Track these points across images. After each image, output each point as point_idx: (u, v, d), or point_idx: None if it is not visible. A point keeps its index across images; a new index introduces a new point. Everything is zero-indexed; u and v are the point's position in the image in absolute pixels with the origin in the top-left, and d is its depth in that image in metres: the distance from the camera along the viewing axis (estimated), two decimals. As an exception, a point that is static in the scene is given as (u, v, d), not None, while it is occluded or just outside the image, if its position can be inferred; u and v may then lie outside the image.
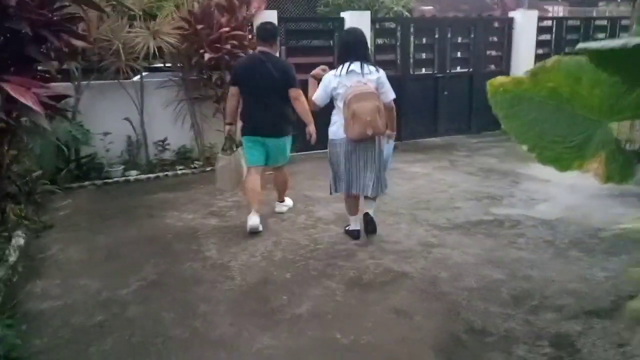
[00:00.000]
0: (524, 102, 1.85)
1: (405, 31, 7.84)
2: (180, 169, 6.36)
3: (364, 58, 3.74)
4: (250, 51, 6.16)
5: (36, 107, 2.98)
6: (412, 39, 7.95)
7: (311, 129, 4.14)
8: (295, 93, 4.10)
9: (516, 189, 5.29)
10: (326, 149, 3.92)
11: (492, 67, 8.76)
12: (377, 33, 7.60)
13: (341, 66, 3.69)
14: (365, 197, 3.93)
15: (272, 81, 4.04)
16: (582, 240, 3.82)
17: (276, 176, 4.62)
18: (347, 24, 7.22)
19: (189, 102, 6.46)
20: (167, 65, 6.55)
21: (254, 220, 4.16)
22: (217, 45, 6.03)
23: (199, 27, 5.93)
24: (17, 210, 3.94)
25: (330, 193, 4.01)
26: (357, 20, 7.17)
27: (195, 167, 6.43)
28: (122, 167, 6.19)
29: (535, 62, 9.17)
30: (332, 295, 3.12)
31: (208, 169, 6.43)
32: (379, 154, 3.75)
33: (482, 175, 5.93)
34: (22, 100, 2.92)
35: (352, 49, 3.74)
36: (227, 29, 6.05)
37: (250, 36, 6.52)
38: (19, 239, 3.93)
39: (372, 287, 3.21)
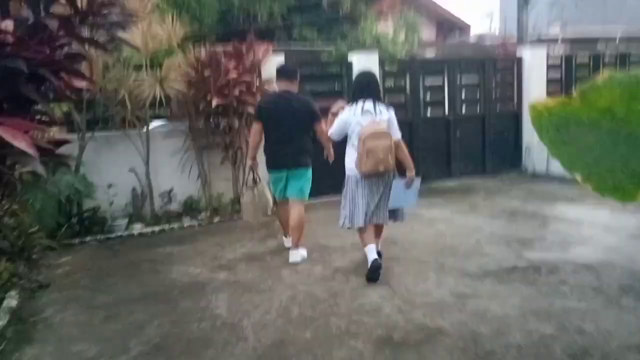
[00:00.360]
0: (573, 125, 1.60)
1: (414, 72, 7.72)
2: (187, 221, 6.07)
3: (376, 98, 3.98)
4: (260, 95, 6.05)
5: (30, 150, 2.73)
6: (421, 80, 7.82)
7: (331, 152, 4.54)
8: (321, 126, 4.38)
9: (546, 230, 4.93)
10: (336, 193, 4.11)
11: (503, 106, 8.58)
12: (385, 75, 7.48)
13: (355, 105, 3.92)
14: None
15: (295, 117, 4.33)
16: (633, 287, 3.43)
17: (292, 212, 4.46)
18: (355, 67, 7.12)
19: (196, 151, 6.25)
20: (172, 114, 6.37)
21: (286, 242, 4.64)
22: (224, 91, 5.88)
23: (206, 73, 5.80)
24: (10, 267, 3.62)
25: (342, 226, 4.10)
26: (364, 62, 7.08)
27: (202, 219, 6.13)
28: (126, 220, 5.91)
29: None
30: (359, 358, 2.73)
31: (216, 220, 6.14)
32: (389, 189, 3.97)
33: (507, 217, 5.58)
34: (14, 142, 2.67)
35: (365, 89, 3.97)
36: (234, 74, 5.92)
37: (258, 82, 6.40)
38: (10, 300, 3.60)
39: (404, 347, 2.82)
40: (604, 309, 3.11)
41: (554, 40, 11.01)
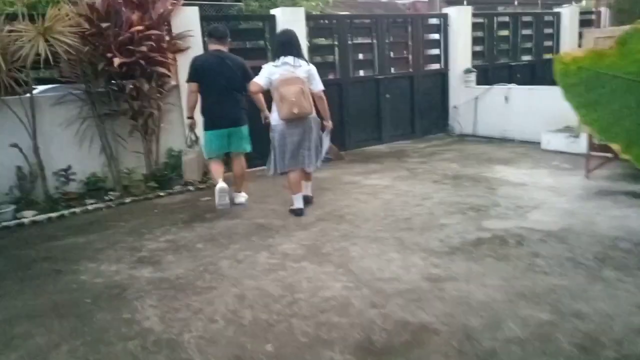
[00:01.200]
0: (609, 83, 1.25)
1: (342, 30, 7.13)
2: (92, 204, 5.10)
3: (297, 54, 4.34)
4: (172, 54, 5.18)
5: None
6: (349, 39, 7.25)
7: (266, 113, 4.59)
8: (253, 85, 4.32)
9: (496, 196, 4.70)
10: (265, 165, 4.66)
11: (430, 66, 8.33)
12: (311, 32, 6.80)
13: (277, 59, 4.28)
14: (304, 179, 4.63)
15: (232, 77, 4.53)
16: (607, 255, 3.24)
17: (236, 164, 4.88)
18: (280, 23, 6.38)
19: (97, 120, 5.22)
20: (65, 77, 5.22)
21: (222, 185, 4.56)
22: (129, 47, 4.89)
23: (104, 25, 4.76)
24: None
25: (272, 174, 4.53)
26: (289, 17, 6.36)
27: (111, 199, 5.19)
28: (13, 207, 4.82)
29: (472, 60, 8.97)
30: (341, 375, 2.21)
31: (128, 200, 5.23)
32: (311, 133, 4.38)
33: (451, 183, 5.31)
34: None
35: (287, 46, 4.31)
36: (140, 27, 4.94)
37: (168, 37, 5.45)
38: None
39: (391, 354, 2.34)
40: (590, 285, 2.86)
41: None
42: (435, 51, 8.37)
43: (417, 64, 8.03)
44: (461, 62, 8.24)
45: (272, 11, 6.58)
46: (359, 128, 7.55)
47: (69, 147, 5.22)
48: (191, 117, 4.68)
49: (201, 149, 4.82)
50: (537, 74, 9.41)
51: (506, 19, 9.05)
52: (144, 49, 4.90)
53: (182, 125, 5.82)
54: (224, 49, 4.63)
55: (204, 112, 4.64)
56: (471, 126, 8.20)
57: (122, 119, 5.30)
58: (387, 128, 7.85)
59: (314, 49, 6.86)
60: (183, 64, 5.68)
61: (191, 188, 5.61)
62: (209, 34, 4.73)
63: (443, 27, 8.21)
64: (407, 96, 8.07)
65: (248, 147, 4.82)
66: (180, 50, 5.60)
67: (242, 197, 4.95)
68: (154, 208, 5.06)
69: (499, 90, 7.73)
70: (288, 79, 4.12)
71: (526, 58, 9.36)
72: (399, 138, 8.03)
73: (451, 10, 8.22)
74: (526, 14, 9.50)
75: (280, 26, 6.36)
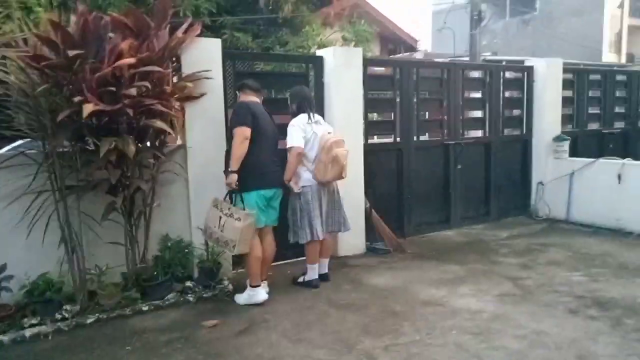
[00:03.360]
0: None
1: (406, 81, 5.44)
2: (32, 325, 3.26)
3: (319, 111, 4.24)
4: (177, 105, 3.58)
5: None
6: (414, 92, 5.55)
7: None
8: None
9: None
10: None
11: (509, 130, 6.55)
12: (368, 82, 5.11)
13: (306, 115, 3.92)
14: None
15: (275, 131, 3.88)
16: None
17: (270, 242, 3.91)
18: (328, 68, 4.75)
19: (56, 195, 3.47)
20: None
21: (263, 294, 3.74)
22: (111, 89, 3.21)
23: (72, 54, 3.09)
24: None
25: (303, 241, 3.96)
26: (341, 60, 4.73)
27: (64, 318, 3.35)
28: None
29: (561, 127, 7.18)
30: None
31: (90, 319, 3.39)
32: (338, 192, 4.14)
33: (602, 317, 3.35)
34: None
35: (311, 102, 4.04)
36: (131, 60, 3.28)
37: (175, 78, 3.81)
38: None
39: None
40: None
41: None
42: (516, 112, 6.62)
43: (495, 127, 6.26)
44: (548, 127, 6.46)
45: (320, 52, 4.94)
46: (421, 207, 5.70)
47: (10, 234, 3.46)
48: (236, 172, 3.55)
49: (253, 212, 3.60)
50: (630, 143, 7.60)
51: (598, 76, 7.33)
52: (133, 92, 3.20)
53: (187, 202, 4.06)
54: (260, 101, 3.89)
55: (252, 165, 3.61)
56: (564, 209, 6.28)
57: (94, 194, 3.54)
58: (457, 208, 5.99)
59: (370, 104, 5.15)
60: (194, 117, 4.00)
61: (190, 298, 3.76)
62: (242, 86, 3.89)
63: (527, 83, 6.50)
64: (482, 168, 6.26)
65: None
66: (192, 98, 3.93)
67: (262, 293, 3.79)
68: (130, 337, 3.20)
69: (607, 165, 5.87)
70: (339, 141, 3.93)
71: (619, 124, 7.56)
72: (471, 221, 6.14)
73: (537, 63, 6.52)
74: (621, 72, 7.79)
75: (329, 72, 4.74)
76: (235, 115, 3.63)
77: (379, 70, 5.65)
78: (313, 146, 3.88)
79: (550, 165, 6.45)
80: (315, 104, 4.10)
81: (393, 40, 16.08)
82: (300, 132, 3.83)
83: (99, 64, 3.27)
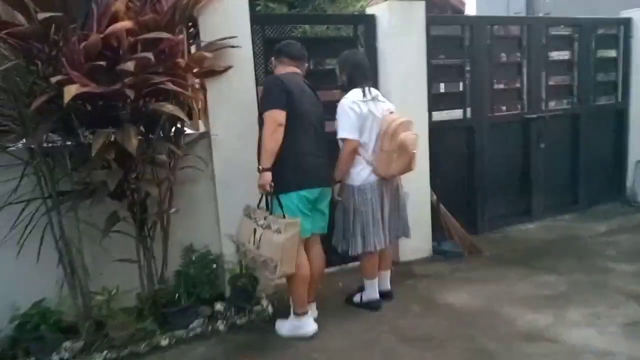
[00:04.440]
0: None
1: (479, 42, 4.39)
2: (24, 370, 2.59)
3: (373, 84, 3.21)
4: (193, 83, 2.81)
5: None
6: (488, 56, 4.50)
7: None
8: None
9: None
10: None
11: (604, 99, 5.39)
12: (433, 44, 4.10)
13: (360, 90, 2.98)
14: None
15: (321, 113, 2.95)
16: None
17: (319, 253, 3.02)
18: (382, 29, 3.80)
19: (48, 202, 2.74)
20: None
21: (311, 325, 2.90)
22: (100, 63, 2.41)
23: (43, 16, 2.28)
24: None
25: (349, 252, 3.07)
26: (399, 18, 3.77)
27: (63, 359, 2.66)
28: None
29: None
30: None
31: (96, 358, 2.67)
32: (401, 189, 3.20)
33: None
34: None
35: (366, 72, 3.11)
36: (128, 24, 2.46)
37: (191, 46, 2.99)
38: None
39: None
40: None
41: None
42: (610, 76, 5.43)
43: (586, 95, 5.13)
44: (651, 93, 5.28)
45: (371, 9, 3.97)
46: (497, 197, 4.72)
47: (-3, 252, 2.78)
48: (269, 169, 2.67)
49: (295, 217, 2.73)
50: None
51: None
52: (129, 66, 2.38)
53: (214, 204, 3.27)
54: (302, 72, 2.97)
55: (286, 161, 2.72)
56: (672, 193, 5.14)
57: (97, 200, 2.78)
58: (539, 195, 4.96)
59: (434, 73, 4.15)
60: (219, 98, 3.18)
61: (220, 326, 3.00)
62: (280, 51, 2.96)
63: (624, 40, 5.29)
64: (569, 146, 5.17)
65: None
66: (214, 73, 3.10)
67: (314, 315, 3.04)
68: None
69: None
70: (407, 122, 2.98)
71: None
72: (555, 211, 5.10)
73: (637, 14, 5.29)
74: None
75: (384, 34, 3.80)
76: (265, 94, 2.75)
77: (444, 30, 4.61)
78: (372, 131, 2.99)
79: (653, 138, 5.30)
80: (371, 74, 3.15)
81: (439, 5, 14.76)
82: (354, 116, 2.91)
83: (86, 31, 2.47)
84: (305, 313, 2.85)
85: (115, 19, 2.52)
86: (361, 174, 3.00)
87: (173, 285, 3.07)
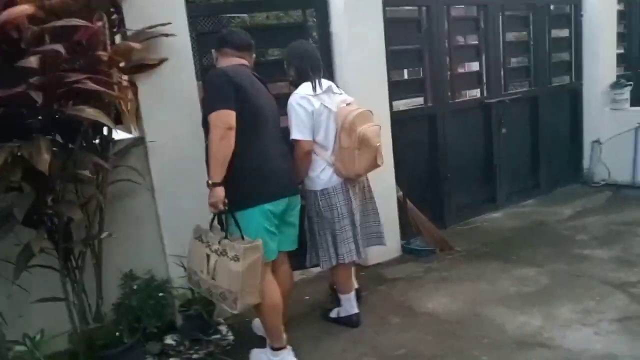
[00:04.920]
0: None
1: (436, 23, 4.11)
2: None
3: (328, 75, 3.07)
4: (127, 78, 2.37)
5: None
6: (446, 38, 4.24)
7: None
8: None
9: None
10: None
11: (556, 79, 5.29)
12: (390, 29, 3.77)
13: (311, 83, 2.61)
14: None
15: (275, 110, 2.51)
16: None
17: (286, 271, 2.63)
18: (334, 14, 3.45)
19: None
20: None
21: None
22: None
23: None
24: None
25: (321, 266, 2.74)
26: (355, 2, 3.40)
27: None
28: None
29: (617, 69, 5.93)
30: None
31: None
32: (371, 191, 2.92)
33: None
34: None
35: (316, 63, 2.69)
36: (26, 9, 1.96)
37: (115, 40, 2.51)
38: None
39: None
40: None
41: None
42: (563, 56, 5.34)
43: (543, 76, 5.00)
44: (603, 71, 5.23)
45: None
46: (462, 186, 4.49)
47: None
48: (221, 184, 2.19)
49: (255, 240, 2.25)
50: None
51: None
52: (32, 62, 1.89)
53: (155, 220, 2.80)
54: (249, 64, 2.52)
55: (243, 170, 2.27)
56: (628, 171, 5.13)
57: (5, 231, 2.25)
58: (503, 182, 4.78)
59: (393, 58, 3.83)
60: (153, 97, 2.71)
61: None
62: (222, 41, 2.51)
63: (575, 19, 5.21)
64: (528, 129, 5.04)
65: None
66: (145, 67, 2.62)
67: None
68: None
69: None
70: (364, 114, 2.64)
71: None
72: (519, 197, 4.96)
73: (588, -8, 5.21)
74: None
75: (338, 18, 3.44)
76: (209, 91, 2.30)
77: (400, 12, 4.30)
78: (328, 128, 2.63)
79: (607, 119, 5.26)
80: (323, 65, 2.76)
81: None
82: (303, 113, 2.55)
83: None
84: (282, 348, 2.43)
85: (12, 2, 2.01)
86: (321, 176, 2.65)
87: (113, 321, 2.59)
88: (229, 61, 2.42)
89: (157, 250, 2.80)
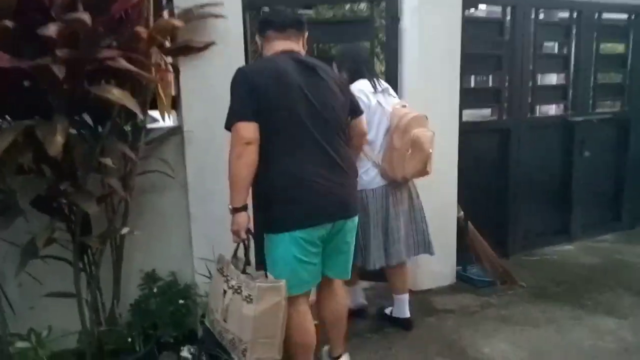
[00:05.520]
0: None
1: (521, 25, 3.64)
2: None
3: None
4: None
5: None
6: (531, 45, 3.75)
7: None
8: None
9: None
10: None
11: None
12: (468, 30, 3.33)
13: (370, 82, 2.55)
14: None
15: (333, 105, 2.00)
16: None
17: (336, 300, 2.21)
18: (407, 6, 3.07)
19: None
20: None
21: None
22: (11, 25, 1.69)
23: None
24: None
25: (367, 269, 2.63)
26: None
27: None
28: None
29: None
30: None
31: None
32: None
33: None
34: None
35: (367, 63, 2.67)
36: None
37: (154, 17, 2.26)
38: None
39: None
40: None
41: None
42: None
43: (638, 96, 4.37)
44: None
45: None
46: (531, 212, 3.98)
47: None
48: (243, 209, 1.91)
49: (278, 280, 1.92)
50: None
51: None
52: (52, 31, 1.65)
53: (186, 219, 2.55)
54: (299, 49, 2.07)
55: (269, 191, 1.94)
56: None
57: (12, 216, 2.06)
58: (577, 212, 4.22)
59: (472, 62, 3.39)
60: (195, 84, 2.46)
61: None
62: (264, 24, 2.09)
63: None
64: (614, 154, 4.43)
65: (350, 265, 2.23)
66: (190, 50, 2.38)
67: None
68: None
69: None
70: (420, 118, 2.51)
71: None
72: (595, 230, 4.37)
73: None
74: None
75: (409, 12, 3.06)
76: (231, 98, 1.93)
77: (480, 12, 3.86)
78: (379, 127, 2.55)
79: None
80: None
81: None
82: (363, 105, 2.33)
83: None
84: None
85: (44, -35, 1.79)
86: (364, 177, 2.50)
87: (126, 324, 2.36)
88: (273, 48, 2.04)
89: (184, 252, 2.55)
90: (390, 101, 2.60)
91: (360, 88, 2.49)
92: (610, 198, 4.47)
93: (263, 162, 1.87)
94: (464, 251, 3.46)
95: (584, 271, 3.61)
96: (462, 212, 3.42)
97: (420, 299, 3.17)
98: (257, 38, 2.12)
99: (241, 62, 2.55)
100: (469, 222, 3.43)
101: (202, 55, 2.41)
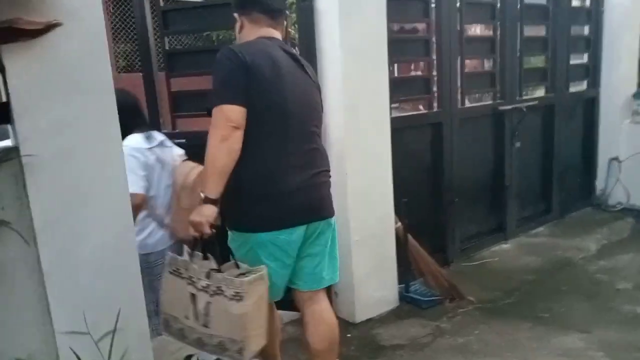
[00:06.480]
0: None
1: (448, 10, 3.22)
2: None
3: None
4: None
5: None
6: (457, 29, 3.35)
7: None
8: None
9: None
10: None
11: (576, 85, 4.52)
12: (393, 12, 2.84)
13: (143, 134, 2.21)
14: None
15: (314, 100, 1.94)
16: None
17: (321, 317, 1.98)
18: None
19: None
20: None
21: None
22: None
23: None
24: None
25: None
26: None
27: None
28: None
29: None
30: None
31: None
32: None
33: None
34: None
35: (135, 111, 2.26)
36: None
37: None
38: None
39: None
40: None
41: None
42: (579, 59, 4.57)
43: (561, 81, 4.20)
44: (624, 79, 4.49)
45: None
46: (467, 213, 3.64)
47: None
48: (214, 202, 1.72)
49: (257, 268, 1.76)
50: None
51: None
52: None
53: (37, 279, 1.76)
54: (280, 37, 1.90)
55: (256, 182, 1.77)
56: (652, 194, 4.41)
57: None
58: (512, 207, 3.95)
59: (397, 50, 2.91)
60: (33, 84, 1.67)
61: None
62: (253, 1, 1.85)
63: (595, 16, 4.44)
64: (542, 143, 4.24)
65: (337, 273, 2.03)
66: (21, 33, 1.60)
67: None
68: None
69: None
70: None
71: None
72: (530, 224, 4.17)
73: (609, -16, 4.45)
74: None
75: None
76: (214, 78, 1.76)
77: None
78: (160, 183, 2.22)
79: (627, 134, 4.53)
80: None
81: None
82: (136, 165, 2.09)
83: None
84: None
85: None
86: (148, 241, 2.19)
87: None
88: (258, 32, 1.84)
89: (38, 326, 1.77)
90: (168, 154, 2.27)
91: (133, 146, 2.09)
92: (541, 189, 4.29)
93: (247, 152, 1.73)
94: (405, 267, 2.99)
95: (530, 275, 3.31)
96: (399, 223, 2.94)
97: (361, 333, 2.65)
98: (238, 17, 1.89)
99: (104, 51, 1.82)
100: (409, 235, 2.95)
101: (41, 41, 1.65)
